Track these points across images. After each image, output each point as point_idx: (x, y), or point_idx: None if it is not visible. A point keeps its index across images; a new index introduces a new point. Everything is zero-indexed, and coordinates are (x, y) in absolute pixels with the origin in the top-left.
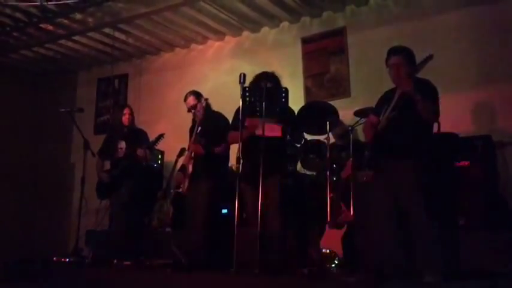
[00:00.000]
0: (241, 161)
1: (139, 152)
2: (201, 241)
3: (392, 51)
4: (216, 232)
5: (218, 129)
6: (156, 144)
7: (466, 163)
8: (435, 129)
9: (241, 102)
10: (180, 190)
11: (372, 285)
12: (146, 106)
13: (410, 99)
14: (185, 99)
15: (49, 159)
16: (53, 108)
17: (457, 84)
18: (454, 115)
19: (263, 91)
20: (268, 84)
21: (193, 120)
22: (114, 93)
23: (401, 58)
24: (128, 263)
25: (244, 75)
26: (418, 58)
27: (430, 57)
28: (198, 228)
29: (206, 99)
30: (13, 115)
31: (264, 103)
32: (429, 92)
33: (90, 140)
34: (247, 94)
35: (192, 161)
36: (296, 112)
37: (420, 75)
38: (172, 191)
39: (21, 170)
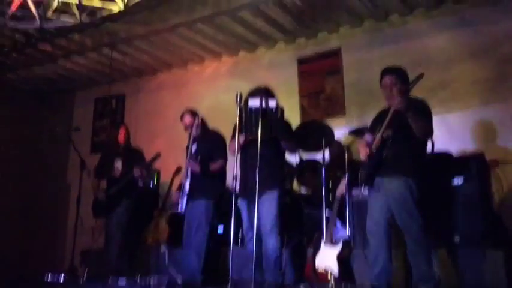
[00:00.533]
0: (238, 179)
1: (136, 171)
2: (199, 260)
3: (385, 72)
4: (212, 250)
5: (214, 147)
6: (153, 163)
7: (460, 182)
8: (429, 148)
9: (237, 122)
10: (179, 210)
11: None
12: (143, 126)
13: (404, 117)
14: (181, 118)
15: (45, 179)
16: (50, 128)
17: (450, 103)
18: (448, 134)
19: (259, 111)
20: (263, 99)
21: (190, 138)
22: (111, 112)
23: (394, 78)
24: (122, 281)
25: (241, 94)
26: (411, 78)
27: (420, 76)
28: (196, 247)
29: (201, 117)
30: (10, 134)
31: (259, 122)
32: (422, 110)
33: (86, 159)
34: (243, 114)
35: (189, 179)
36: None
37: (414, 94)
38: (169, 211)
39: (17, 188)
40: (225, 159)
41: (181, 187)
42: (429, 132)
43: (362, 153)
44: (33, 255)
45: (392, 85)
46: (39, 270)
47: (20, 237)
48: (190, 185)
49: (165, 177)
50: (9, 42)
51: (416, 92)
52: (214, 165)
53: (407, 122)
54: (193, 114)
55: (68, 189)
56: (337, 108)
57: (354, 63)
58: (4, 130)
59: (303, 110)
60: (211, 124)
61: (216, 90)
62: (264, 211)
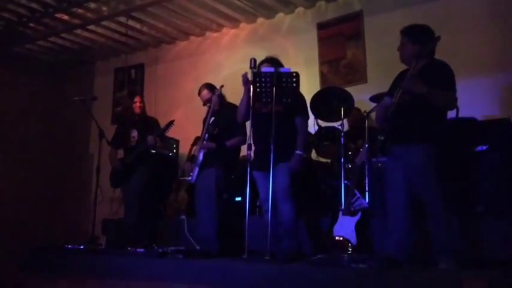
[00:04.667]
0: (253, 148)
1: (150, 139)
2: (211, 229)
3: (401, 32)
4: (228, 220)
5: (232, 121)
6: (167, 131)
7: (484, 148)
8: (453, 114)
9: (251, 88)
10: (189, 179)
11: (384, 272)
12: (162, 95)
13: (423, 80)
14: (199, 93)
15: (68, 150)
16: (69, 99)
17: (475, 67)
18: (473, 99)
19: (273, 76)
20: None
21: (208, 112)
22: (130, 83)
23: (406, 39)
24: (141, 250)
25: (255, 60)
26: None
27: (437, 39)
28: (207, 215)
29: (221, 87)
30: (32, 106)
31: (274, 88)
32: (443, 78)
33: (107, 129)
34: (257, 79)
35: (203, 151)
36: (311, 98)
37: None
38: (180, 179)
39: (41, 160)
40: (244, 134)
41: (193, 157)
42: (450, 104)
43: (379, 119)
44: (57, 225)
45: (403, 47)
46: (63, 239)
47: (45, 207)
48: (204, 155)
49: (185, 147)
50: (26, 12)
51: (440, 56)
52: (231, 143)
53: (426, 84)
54: (211, 88)
55: (91, 159)
56: (359, 74)
57: (376, 26)
58: (26, 101)
59: (323, 77)
60: (230, 91)
61: (234, 59)
62: (278, 180)
